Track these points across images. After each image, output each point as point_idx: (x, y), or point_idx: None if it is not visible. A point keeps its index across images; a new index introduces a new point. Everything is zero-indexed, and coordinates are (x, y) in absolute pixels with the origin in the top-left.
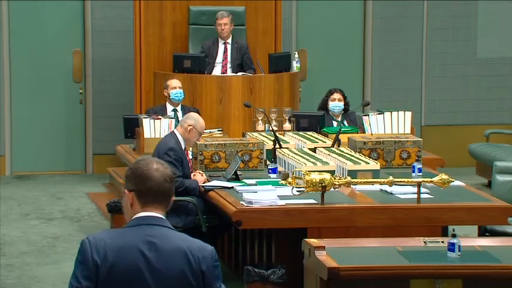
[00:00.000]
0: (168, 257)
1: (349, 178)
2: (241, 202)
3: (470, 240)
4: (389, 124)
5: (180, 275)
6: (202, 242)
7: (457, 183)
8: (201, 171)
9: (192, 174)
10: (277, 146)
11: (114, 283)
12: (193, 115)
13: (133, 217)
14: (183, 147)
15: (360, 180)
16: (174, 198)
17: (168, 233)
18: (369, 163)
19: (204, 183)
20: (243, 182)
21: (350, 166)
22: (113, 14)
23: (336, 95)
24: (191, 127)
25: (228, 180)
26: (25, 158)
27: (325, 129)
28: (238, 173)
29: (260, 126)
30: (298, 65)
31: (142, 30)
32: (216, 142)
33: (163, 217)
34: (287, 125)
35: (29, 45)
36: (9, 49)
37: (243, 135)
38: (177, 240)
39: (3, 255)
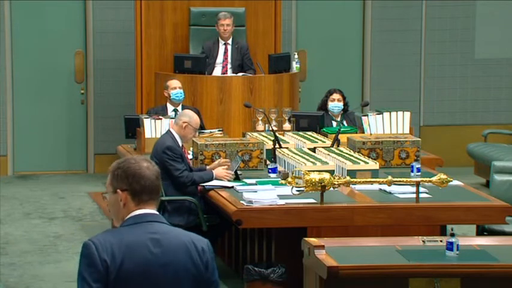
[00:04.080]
0: (173, 251)
1: (348, 178)
2: (242, 201)
3: (469, 239)
4: (388, 124)
5: (186, 268)
6: (198, 235)
7: (455, 182)
8: (226, 160)
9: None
10: (277, 145)
11: (124, 281)
12: (187, 112)
13: (129, 216)
14: (181, 145)
15: (359, 179)
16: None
17: (167, 229)
18: (368, 163)
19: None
20: (243, 182)
21: (349, 166)
22: (114, 15)
23: (335, 95)
24: (186, 124)
25: (228, 180)
26: (27, 157)
27: (324, 129)
28: (239, 172)
29: (260, 126)
30: (298, 66)
31: (143, 31)
32: (217, 142)
33: (158, 213)
34: (287, 125)
35: (31, 46)
36: (11, 50)
37: (243, 135)
38: (178, 234)
39: (5, 254)
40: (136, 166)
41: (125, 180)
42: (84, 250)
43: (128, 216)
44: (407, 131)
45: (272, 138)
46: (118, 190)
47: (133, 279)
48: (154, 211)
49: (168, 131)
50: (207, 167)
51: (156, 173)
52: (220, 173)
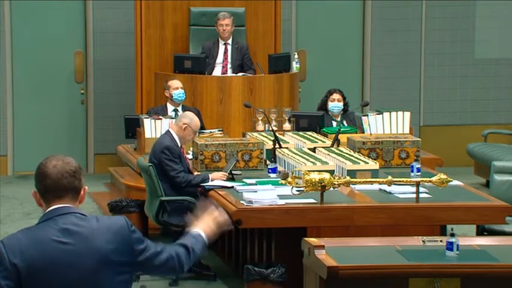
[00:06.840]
0: (84, 240)
1: (348, 178)
2: (242, 201)
3: (469, 239)
4: (388, 124)
5: (101, 255)
6: (113, 217)
7: (455, 182)
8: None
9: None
10: (277, 145)
11: (38, 278)
12: (188, 114)
13: (44, 212)
14: (179, 145)
15: (359, 179)
16: (85, 189)
17: (80, 218)
18: (368, 163)
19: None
20: (243, 182)
21: (349, 166)
22: (114, 15)
23: (336, 96)
24: (186, 125)
25: (225, 180)
26: (27, 157)
27: (324, 129)
28: (238, 172)
29: (260, 126)
30: (298, 66)
31: (143, 31)
32: (217, 142)
33: (72, 206)
34: (287, 125)
35: (31, 46)
36: (11, 50)
37: (243, 135)
38: (91, 222)
39: None
40: (43, 165)
41: (35, 179)
42: None
43: (43, 214)
44: (407, 131)
45: (272, 138)
46: (34, 189)
47: (47, 271)
48: (67, 204)
49: (168, 131)
50: (210, 175)
51: (64, 171)
52: (216, 175)
